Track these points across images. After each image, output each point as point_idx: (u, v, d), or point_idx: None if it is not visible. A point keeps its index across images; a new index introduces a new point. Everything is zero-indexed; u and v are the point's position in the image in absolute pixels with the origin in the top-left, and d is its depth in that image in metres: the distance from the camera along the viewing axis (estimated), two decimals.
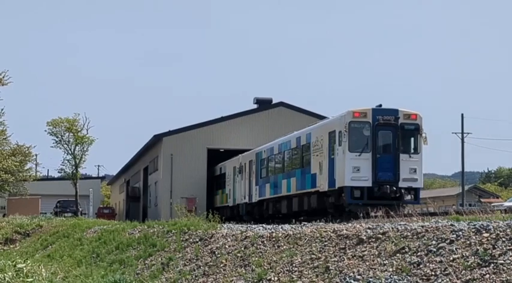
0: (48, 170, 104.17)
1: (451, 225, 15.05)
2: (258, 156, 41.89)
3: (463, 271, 12.67)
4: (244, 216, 43.06)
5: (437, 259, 13.54)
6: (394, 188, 28.83)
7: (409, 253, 14.40)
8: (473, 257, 12.98)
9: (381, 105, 30.63)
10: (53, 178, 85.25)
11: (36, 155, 66.62)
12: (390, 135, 29.57)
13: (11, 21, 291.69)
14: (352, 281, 14.32)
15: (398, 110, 29.99)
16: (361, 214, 23.84)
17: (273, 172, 38.90)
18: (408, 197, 29.40)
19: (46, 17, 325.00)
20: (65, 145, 59.09)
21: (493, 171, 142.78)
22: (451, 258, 13.29)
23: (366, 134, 29.32)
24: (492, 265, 12.42)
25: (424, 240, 14.67)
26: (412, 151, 29.78)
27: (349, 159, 28.85)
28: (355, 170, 28.73)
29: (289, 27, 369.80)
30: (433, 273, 13.11)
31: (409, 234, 15.37)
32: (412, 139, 30.02)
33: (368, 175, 28.76)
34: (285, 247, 18.59)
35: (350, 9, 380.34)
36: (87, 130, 59.08)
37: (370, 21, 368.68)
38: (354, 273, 14.71)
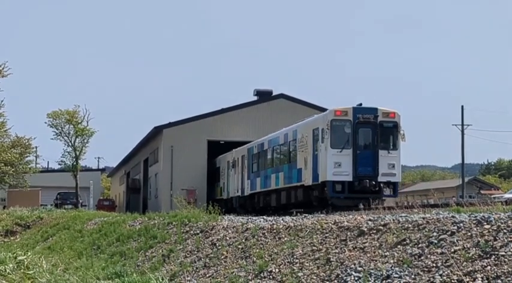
0: (48, 162, 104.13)
1: (452, 216, 15.04)
2: (249, 151, 43.57)
3: (464, 262, 12.66)
4: (238, 209, 43.71)
5: (439, 250, 13.53)
6: (374, 182, 30.20)
7: (410, 245, 14.39)
8: (474, 249, 12.97)
9: (361, 104, 32.14)
10: (53, 170, 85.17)
11: (36, 147, 66.65)
12: (370, 132, 30.96)
13: (11, 14, 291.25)
14: (353, 273, 14.32)
15: (377, 109, 31.40)
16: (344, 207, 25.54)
17: (263, 167, 40.46)
18: (387, 191, 30.78)
19: (47, 12, 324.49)
20: (65, 137, 59.12)
21: (493, 163, 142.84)
22: (452, 250, 13.28)
23: (346, 131, 30.76)
24: (493, 256, 12.42)
25: (425, 231, 14.67)
26: (391, 147, 31.09)
27: (331, 155, 30.31)
28: (336, 165, 30.17)
29: (289, 22, 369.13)
30: (434, 265, 13.10)
31: (410, 225, 15.36)
32: (391, 136, 31.33)
33: (349, 170, 30.19)
34: (286, 239, 18.59)
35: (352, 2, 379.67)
36: (87, 122, 59.13)
37: (375, 11, 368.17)
38: (355, 264, 14.70)
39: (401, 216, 16.67)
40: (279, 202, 36.62)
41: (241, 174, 45.07)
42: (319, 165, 31.16)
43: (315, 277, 15.17)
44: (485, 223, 13.82)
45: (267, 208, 38.61)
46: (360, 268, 14.38)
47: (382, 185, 30.50)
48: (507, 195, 40.51)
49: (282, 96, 56.54)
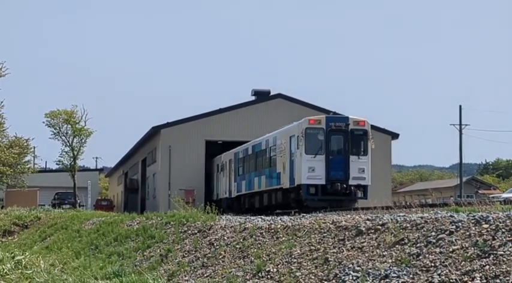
0: (46, 162, 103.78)
1: (451, 216, 15.03)
2: (236, 155, 46.13)
3: (463, 262, 12.64)
4: (226, 210, 44.82)
5: (437, 250, 13.52)
6: (345, 185, 32.41)
7: (409, 245, 14.38)
8: (473, 248, 12.96)
9: (335, 113, 35.30)
10: (51, 171, 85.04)
11: (34, 147, 66.53)
12: (341, 139, 33.26)
13: (10, 12, 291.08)
14: (352, 272, 14.29)
15: (348, 118, 33.90)
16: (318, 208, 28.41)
17: (247, 170, 43.01)
18: (358, 193, 32.99)
19: (46, 12, 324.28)
20: (63, 137, 59.03)
21: (490, 163, 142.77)
22: (451, 249, 13.27)
23: (320, 138, 33.05)
24: (492, 256, 12.40)
25: (424, 231, 14.65)
26: (361, 153, 33.40)
27: (306, 161, 32.58)
28: (310, 170, 32.41)
29: (287, 20, 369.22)
30: (432, 264, 13.09)
31: (408, 225, 15.35)
32: (361, 142, 33.65)
33: (322, 175, 32.42)
34: (284, 238, 18.56)
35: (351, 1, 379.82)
36: (85, 122, 59.04)
37: (373, 11, 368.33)
38: (353, 264, 14.68)
39: (399, 216, 16.65)
40: (262, 204, 38.84)
41: (228, 177, 47.48)
42: (295, 170, 33.42)
43: (313, 277, 15.15)
44: (483, 222, 13.80)
45: (252, 209, 40.26)
46: (358, 268, 14.36)
47: (352, 188, 32.58)
48: (505, 195, 40.51)
49: (279, 96, 56.51)
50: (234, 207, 44.92)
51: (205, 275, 18.96)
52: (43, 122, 58.98)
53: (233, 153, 46.70)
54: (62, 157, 59.76)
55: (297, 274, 15.66)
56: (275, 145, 37.29)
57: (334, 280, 14.44)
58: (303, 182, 32.33)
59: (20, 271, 21.15)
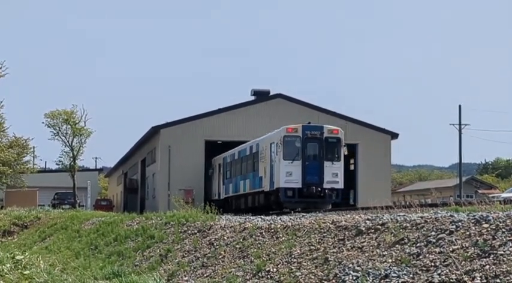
0: (45, 162, 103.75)
1: (451, 216, 15.02)
2: (224, 160, 48.83)
3: (463, 262, 12.63)
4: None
5: (437, 250, 13.50)
6: (319, 189, 35.18)
7: (409, 244, 14.36)
8: (473, 248, 12.95)
9: (309, 123, 37.94)
10: (51, 171, 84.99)
11: (34, 147, 66.47)
12: (317, 146, 36.00)
13: (8, 12, 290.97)
14: (352, 272, 14.28)
15: (323, 127, 36.94)
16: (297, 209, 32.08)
17: (234, 174, 45.87)
18: (332, 196, 35.60)
19: (45, 7, 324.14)
20: (63, 138, 58.98)
21: (490, 163, 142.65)
22: (451, 249, 13.25)
23: (297, 145, 35.90)
24: (492, 256, 12.39)
25: (424, 231, 14.64)
26: (335, 159, 36.05)
27: (284, 166, 35.41)
28: (288, 174, 35.20)
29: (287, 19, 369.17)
30: (432, 264, 13.07)
31: (408, 225, 15.33)
32: (335, 149, 36.31)
33: (298, 179, 35.20)
34: (283, 238, 18.55)
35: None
36: (84, 122, 58.98)
37: (372, 11, 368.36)
38: (353, 264, 14.66)
39: (399, 216, 16.64)
40: (247, 205, 41.32)
41: (217, 180, 50.28)
42: (274, 174, 36.41)
43: (313, 277, 15.13)
44: (483, 222, 13.79)
45: (238, 210, 41.87)
46: (358, 268, 14.34)
47: (327, 191, 35.31)
48: (505, 194, 40.51)
49: (279, 95, 56.49)
50: (224, 208, 46.08)
51: (205, 275, 18.95)
52: (43, 122, 58.99)
53: (222, 157, 49.35)
54: (61, 157, 59.77)
55: (297, 274, 15.65)
56: (258, 152, 40.06)
57: (334, 280, 14.43)
58: (281, 186, 35.17)
59: (19, 271, 21.08)
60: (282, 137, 35.81)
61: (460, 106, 79.80)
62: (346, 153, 36.83)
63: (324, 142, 35.93)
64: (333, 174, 35.70)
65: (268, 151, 37.92)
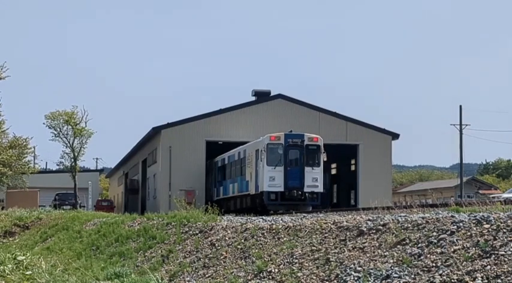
0: (46, 163, 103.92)
1: (452, 216, 15.03)
2: (216, 164, 51.70)
3: (464, 262, 12.65)
4: None
5: (438, 250, 13.52)
6: (300, 192, 38.42)
7: (410, 245, 14.38)
8: (474, 248, 12.97)
9: (291, 131, 41.36)
10: (52, 171, 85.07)
11: (34, 147, 66.47)
12: (298, 153, 39.10)
13: (9, 12, 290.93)
14: (353, 273, 14.30)
15: (304, 135, 39.97)
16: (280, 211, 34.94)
17: (224, 177, 48.89)
18: (313, 199, 38.61)
19: (45, 9, 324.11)
20: (64, 139, 58.97)
21: (491, 163, 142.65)
22: (452, 249, 13.27)
23: (279, 152, 39.08)
24: (493, 256, 12.41)
25: (425, 231, 14.66)
26: (315, 165, 39.14)
27: (267, 171, 38.63)
28: (271, 179, 38.41)
29: (287, 20, 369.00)
30: (434, 265, 13.10)
31: (409, 225, 15.35)
32: (315, 156, 39.39)
33: (281, 183, 38.47)
34: (285, 239, 18.57)
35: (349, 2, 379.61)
36: (85, 123, 59.00)
37: (371, 10, 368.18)
38: (354, 264, 14.69)
39: (400, 216, 16.65)
40: (235, 207, 43.97)
41: (210, 183, 52.76)
42: (258, 179, 39.49)
43: (314, 277, 15.16)
44: (484, 222, 13.81)
45: (228, 212, 43.13)
46: (359, 268, 14.37)
47: (307, 194, 38.36)
48: (505, 195, 40.53)
49: (280, 96, 56.55)
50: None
51: (206, 276, 18.97)
52: (43, 123, 59.02)
53: (214, 162, 52.05)
54: (63, 158, 59.79)
55: (299, 274, 15.67)
56: (245, 157, 43.17)
57: (335, 281, 14.45)
58: (265, 189, 38.32)
59: (21, 272, 21.15)
60: (266, 144, 38.84)
61: (460, 106, 79.95)
62: (325, 159, 40.12)
63: (304, 149, 38.94)
64: (313, 179, 38.64)
65: (253, 157, 40.89)
